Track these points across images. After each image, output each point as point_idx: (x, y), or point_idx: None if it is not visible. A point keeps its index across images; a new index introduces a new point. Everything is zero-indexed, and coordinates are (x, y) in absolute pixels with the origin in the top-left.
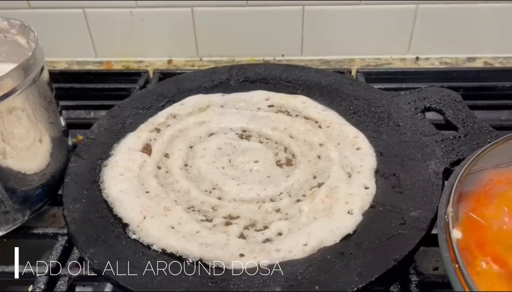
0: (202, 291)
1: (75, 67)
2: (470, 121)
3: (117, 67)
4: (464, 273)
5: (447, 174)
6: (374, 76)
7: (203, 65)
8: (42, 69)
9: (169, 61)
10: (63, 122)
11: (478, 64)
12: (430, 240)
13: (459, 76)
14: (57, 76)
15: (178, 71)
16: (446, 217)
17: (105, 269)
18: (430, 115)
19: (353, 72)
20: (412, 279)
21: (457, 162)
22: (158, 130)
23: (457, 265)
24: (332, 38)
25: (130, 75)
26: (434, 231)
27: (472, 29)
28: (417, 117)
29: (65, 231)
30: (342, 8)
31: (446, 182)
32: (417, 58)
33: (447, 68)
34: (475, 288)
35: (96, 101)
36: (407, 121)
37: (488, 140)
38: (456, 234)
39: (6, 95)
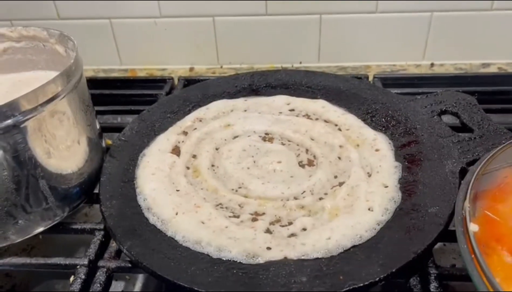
0: (232, 280)
1: (101, 75)
2: (486, 124)
3: (141, 74)
4: (481, 263)
5: (463, 173)
6: (390, 81)
7: (224, 72)
8: (81, 75)
9: (191, 69)
10: (98, 125)
11: (492, 69)
12: (448, 236)
13: (474, 81)
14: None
15: (200, 78)
16: (463, 211)
17: (142, 260)
18: (446, 119)
19: (370, 78)
20: (431, 272)
21: (473, 162)
22: (185, 133)
23: (474, 256)
24: (348, 45)
25: (155, 82)
26: (451, 227)
27: (486, 35)
28: (433, 120)
29: (101, 226)
30: (358, 17)
31: (462, 180)
32: (432, 64)
33: (462, 73)
34: (492, 276)
35: (124, 106)
36: (424, 124)
37: (503, 141)
38: (473, 227)
39: (51, 100)
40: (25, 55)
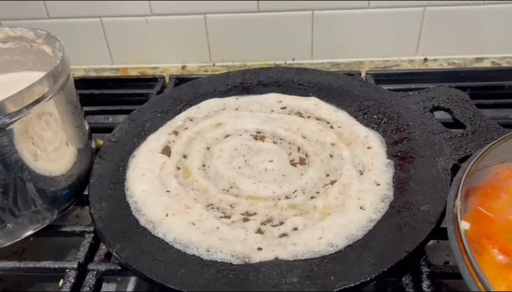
0: (223, 282)
1: (93, 74)
2: (478, 119)
3: (132, 73)
4: (472, 262)
5: (455, 170)
6: (383, 77)
7: (216, 70)
8: (68, 75)
9: (183, 67)
10: (87, 126)
11: (486, 64)
12: (440, 233)
13: (467, 76)
14: (76, 83)
15: (192, 76)
16: (454, 209)
17: (131, 263)
18: (438, 115)
19: (363, 74)
20: (423, 270)
21: (465, 158)
22: (176, 133)
23: (465, 254)
24: (341, 41)
25: (147, 81)
26: (443, 225)
27: (479, 29)
28: (425, 117)
29: (91, 229)
30: (351, 12)
31: (454, 178)
32: (425, 59)
33: (455, 68)
34: (483, 275)
35: (115, 106)
36: (416, 121)
37: (495, 137)
38: (464, 225)
39: (37, 101)
40: (12, 56)
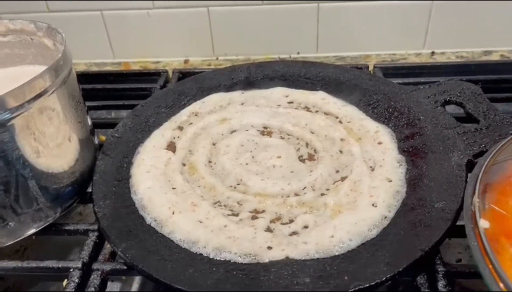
0: (232, 282)
1: (94, 69)
2: (492, 114)
3: (134, 67)
4: (493, 261)
5: (470, 165)
6: (391, 71)
7: (220, 64)
8: (70, 69)
9: (186, 61)
10: (89, 122)
11: (495, 57)
12: (455, 231)
13: (477, 69)
14: (78, 77)
15: (195, 70)
16: (472, 207)
17: (138, 263)
18: (449, 109)
19: (371, 68)
20: (439, 270)
21: (480, 154)
22: (181, 128)
23: (485, 254)
24: (347, 34)
25: (149, 75)
26: (459, 222)
27: (487, 22)
28: (437, 111)
29: (95, 227)
30: (357, 4)
31: (470, 173)
32: (433, 52)
33: (465, 61)
34: (505, 276)
35: (118, 101)
36: (427, 115)
37: (510, 132)
38: (483, 223)
39: (39, 96)
40: (12, 50)
